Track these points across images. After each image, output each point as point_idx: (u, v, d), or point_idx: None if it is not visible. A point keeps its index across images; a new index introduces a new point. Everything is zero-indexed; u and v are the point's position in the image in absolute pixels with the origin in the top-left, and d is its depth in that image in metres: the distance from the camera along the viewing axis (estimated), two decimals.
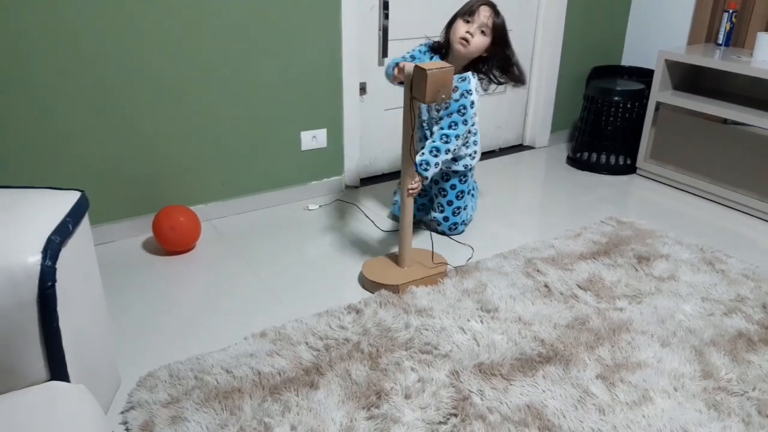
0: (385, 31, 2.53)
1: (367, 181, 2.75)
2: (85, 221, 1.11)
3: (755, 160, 2.45)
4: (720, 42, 2.79)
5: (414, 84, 1.69)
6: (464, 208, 2.23)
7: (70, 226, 1.03)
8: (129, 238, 2.19)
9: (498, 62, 2.01)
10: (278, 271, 2.02)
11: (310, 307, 1.79)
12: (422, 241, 2.14)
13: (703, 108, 2.59)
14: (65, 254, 0.99)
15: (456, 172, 2.16)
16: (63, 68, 1.91)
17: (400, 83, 1.89)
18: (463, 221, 2.25)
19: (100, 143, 2.05)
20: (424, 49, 2.06)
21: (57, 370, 0.99)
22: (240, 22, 2.16)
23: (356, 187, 2.69)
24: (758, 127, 2.42)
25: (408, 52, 2.08)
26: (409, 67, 1.71)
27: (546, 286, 1.90)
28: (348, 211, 2.46)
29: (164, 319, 1.75)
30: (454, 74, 1.92)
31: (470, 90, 1.99)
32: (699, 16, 2.88)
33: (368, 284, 1.90)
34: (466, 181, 2.19)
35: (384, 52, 2.56)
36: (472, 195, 2.33)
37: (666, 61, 2.70)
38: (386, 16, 2.50)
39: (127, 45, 1.99)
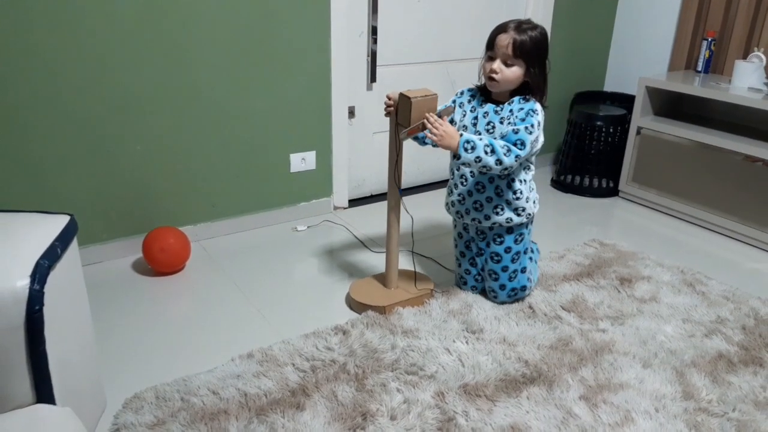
0: (373, 56, 2.58)
1: (356, 202, 2.77)
2: (74, 245, 1.13)
3: (734, 184, 2.51)
4: (699, 69, 2.86)
5: (399, 111, 1.73)
6: (522, 271, 1.92)
7: (58, 250, 1.04)
8: (118, 258, 2.20)
9: (540, 82, 1.75)
10: (266, 292, 2.03)
11: (297, 328, 1.81)
12: (409, 262, 2.17)
13: (683, 133, 2.66)
14: (53, 278, 1.00)
15: (511, 229, 1.88)
16: (51, 90, 1.93)
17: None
18: (523, 286, 1.93)
19: (91, 165, 2.07)
20: (463, 91, 1.89)
21: (43, 392, 1.00)
22: (231, 46, 2.20)
23: (345, 209, 2.71)
24: (737, 152, 2.48)
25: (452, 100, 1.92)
26: (395, 95, 1.75)
27: (530, 307, 1.93)
28: (336, 232, 2.49)
29: (151, 341, 1.76)
30: (505, 102, 1.77)
31: (536, 109, 1.73)
32: (679, 43, 2.96)
33: (355, 305, 1.92)
34: (522, 240, 1.90)
35: (372, 76, 2.61)
36: (531, 258, 1.99)
37: (647, 87, 2.77)
38: (375, 41, 2.55)
39: (117, 68, 2.01)
